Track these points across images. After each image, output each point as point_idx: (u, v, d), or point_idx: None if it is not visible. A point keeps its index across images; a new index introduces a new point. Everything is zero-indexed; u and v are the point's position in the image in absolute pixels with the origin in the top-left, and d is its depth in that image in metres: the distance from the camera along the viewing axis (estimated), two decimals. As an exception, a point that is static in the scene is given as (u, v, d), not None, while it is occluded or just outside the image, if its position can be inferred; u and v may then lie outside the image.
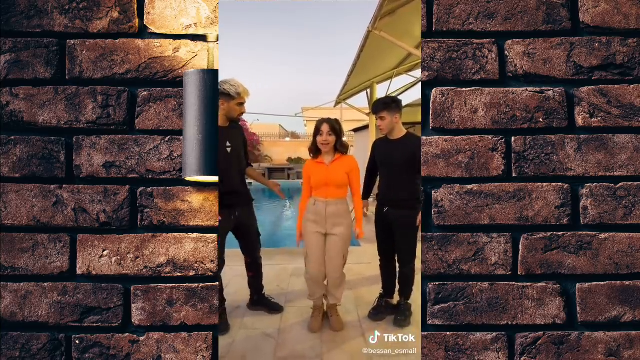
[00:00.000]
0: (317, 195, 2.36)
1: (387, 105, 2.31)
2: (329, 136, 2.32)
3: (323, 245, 2.37)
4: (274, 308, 2.33)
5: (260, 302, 2.35)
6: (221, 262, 1.94)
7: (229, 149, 2.02)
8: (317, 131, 2.33)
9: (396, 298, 2.34)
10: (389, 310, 2.26)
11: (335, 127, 2.36)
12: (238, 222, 2.12)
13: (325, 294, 2.36)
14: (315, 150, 2.41)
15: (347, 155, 2.42)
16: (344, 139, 2.47)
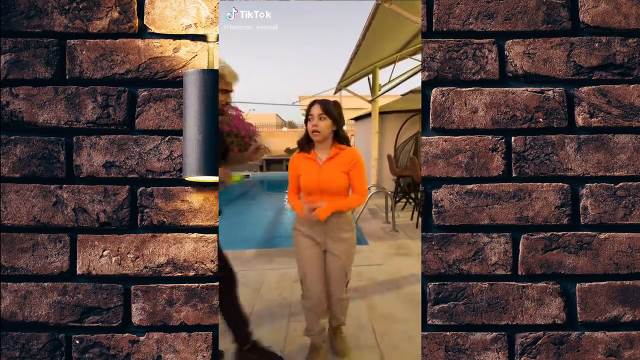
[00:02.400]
0: (311, 203, 1.78)
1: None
2: (321, 121, 1.76)
3: (322, 262, 1.87)
4: None
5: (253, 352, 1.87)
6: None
7: None
8: (307, 116, 1.80)
9: None
10: None
11: (329, 109, 1.78)
12: None
13: (328, 320, 1.94)
14: (305, 142, 1.85)
15: (348, 148, 1.84)
16: (344, 128, 1.92)
